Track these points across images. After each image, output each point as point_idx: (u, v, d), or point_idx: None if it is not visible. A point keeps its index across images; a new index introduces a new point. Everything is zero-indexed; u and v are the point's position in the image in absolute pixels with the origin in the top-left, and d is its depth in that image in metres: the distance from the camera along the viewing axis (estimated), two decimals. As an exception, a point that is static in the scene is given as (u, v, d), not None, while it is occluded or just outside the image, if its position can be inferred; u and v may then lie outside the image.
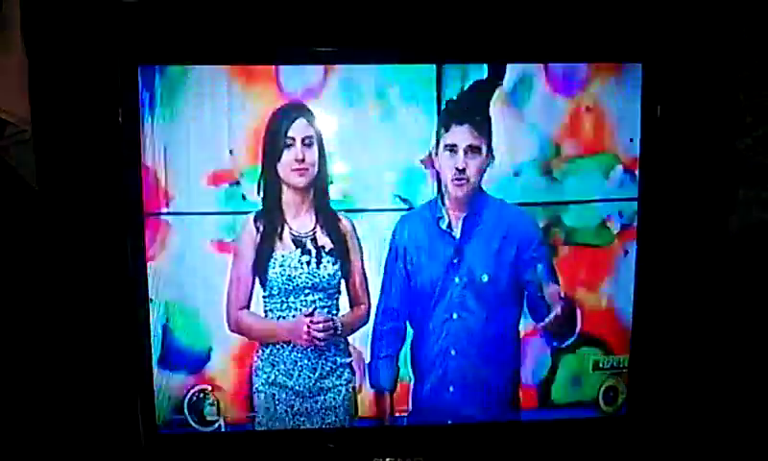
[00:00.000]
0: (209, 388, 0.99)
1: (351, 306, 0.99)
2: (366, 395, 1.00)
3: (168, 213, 0.95)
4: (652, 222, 0.99)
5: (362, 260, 0.98)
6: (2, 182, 1.03)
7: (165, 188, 0.94)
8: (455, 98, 0.95)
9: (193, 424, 0.99)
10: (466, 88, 0.95)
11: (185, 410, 0.99)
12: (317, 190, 0.96)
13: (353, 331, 0.99)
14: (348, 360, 1.00)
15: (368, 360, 1.00)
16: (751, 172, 1.05)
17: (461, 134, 0.95)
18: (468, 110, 0.95)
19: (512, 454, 1.03)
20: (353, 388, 1.00)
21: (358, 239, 0.97)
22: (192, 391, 0.99)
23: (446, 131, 0.95)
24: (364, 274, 0.98)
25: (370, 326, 0.99)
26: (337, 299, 0.98)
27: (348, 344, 0.99)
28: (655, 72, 0.96)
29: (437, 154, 0.96)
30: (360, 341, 0.99)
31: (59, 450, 1.02)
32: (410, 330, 1.00)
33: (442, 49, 0.95)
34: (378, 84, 0.94)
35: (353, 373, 1.00)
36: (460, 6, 0.97)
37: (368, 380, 1.00)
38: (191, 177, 0.94)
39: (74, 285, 0.99)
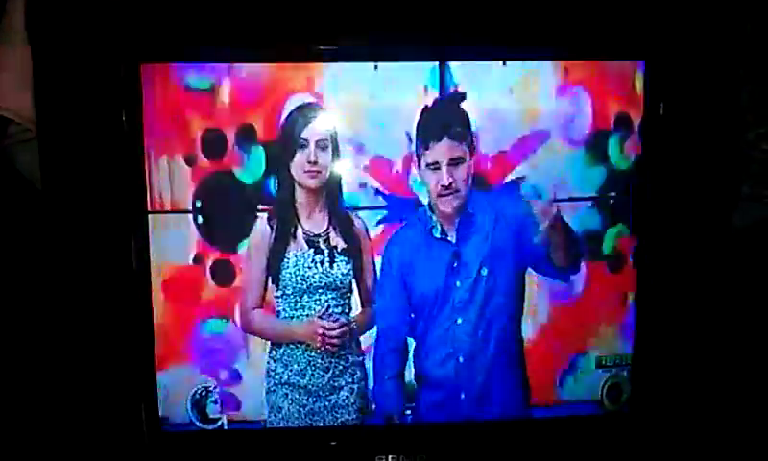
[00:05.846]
0: (213, 386, 0.99)
1: (364, 305, 0.98)
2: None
3: (172, 212, 0.94)
4: (654, 218, 0.99)
5: (374, 260, 0.98)
6: (5, 182, 1.03)
7: (171, 187, 0.94)
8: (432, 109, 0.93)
9: (196, 421, 0.99)
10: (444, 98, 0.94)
11: (189, 408, 0.99)
12: (330, 192, 0.96)
13: (366, 330, 0.99)
14: (360, 358, 0.99)
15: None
16: (753, 169, 1.05)
17: (440, 150, 0.93)
18: (446, 124, 0.93)
19: (515, 451, 1.03)
20: (365, 386, 1.00)
21: (370, 239, 0.97)
22: (196, 389, 0.98)
23: (426, 148, 0.93)
24: (375, 273, 0.98)
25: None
26: (350, 298, 0.98)
27: (359, 343, 0.99)
28: (658, 69, 0.96)
29: (419, 168, 0.95)
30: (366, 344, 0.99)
31: (62, 448, 1.02)
32: (411, 346, 0.99)
33: (446, 44, 0.95)
34: (388, 84, 0.94)
35: (365, 371, 0.99)
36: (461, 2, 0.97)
37: (373, 406, 1.00)
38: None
39: (78, 285, 0.99)
